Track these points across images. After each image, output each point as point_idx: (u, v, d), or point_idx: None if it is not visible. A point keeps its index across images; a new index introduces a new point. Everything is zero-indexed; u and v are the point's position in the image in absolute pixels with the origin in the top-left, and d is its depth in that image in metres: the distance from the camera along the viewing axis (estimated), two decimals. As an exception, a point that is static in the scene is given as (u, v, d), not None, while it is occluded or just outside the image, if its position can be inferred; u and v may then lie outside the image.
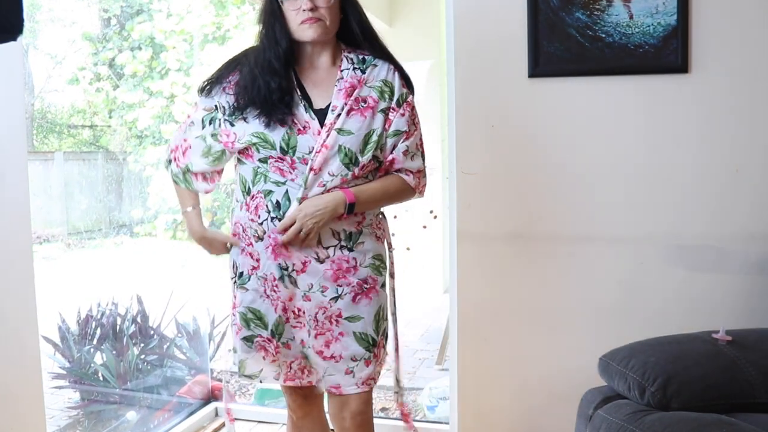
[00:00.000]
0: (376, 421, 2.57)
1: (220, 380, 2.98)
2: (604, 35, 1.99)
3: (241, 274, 1.67)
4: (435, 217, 4.76)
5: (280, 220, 1.59)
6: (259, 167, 1.61)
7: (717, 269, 1.99)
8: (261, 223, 1.62)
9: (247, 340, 1.68)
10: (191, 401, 2.80)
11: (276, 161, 1.58)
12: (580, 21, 2.00)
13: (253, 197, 1.63)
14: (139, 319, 2.91)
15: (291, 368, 1.71)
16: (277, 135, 1.57)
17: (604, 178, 2.05)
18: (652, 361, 1.53)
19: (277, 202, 1.60)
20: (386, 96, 1.63)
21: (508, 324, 2.15)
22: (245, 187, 1.65)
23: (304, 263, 1.62)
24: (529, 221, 2.11)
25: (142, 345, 2.89)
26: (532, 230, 2.11)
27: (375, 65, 1.65)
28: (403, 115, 1.64)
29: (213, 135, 1.66)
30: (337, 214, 1.59)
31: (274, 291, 1.64)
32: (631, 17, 1.97)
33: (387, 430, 2.59)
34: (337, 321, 1.65)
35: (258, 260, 1.64)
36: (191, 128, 1.69)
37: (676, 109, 1.99)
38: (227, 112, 1.62)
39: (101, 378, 2.74)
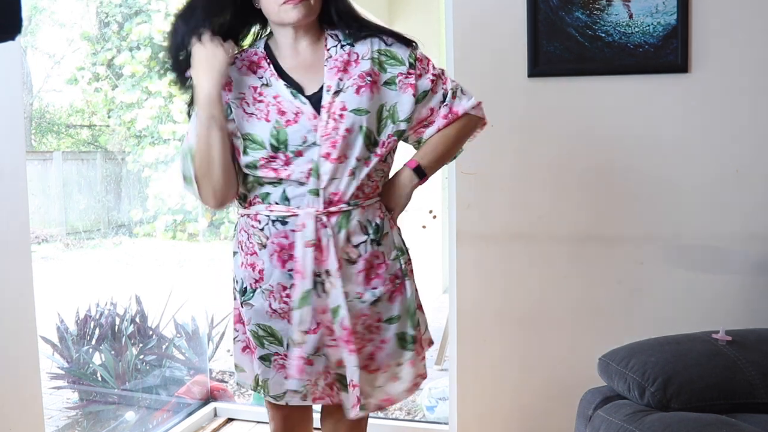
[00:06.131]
0: (376, 421, 2.57)
1: (219, 380, 2.98)
2: (603, 35, 1.99)
3: (245, 289, 1.52)
4: (435, 217, 4.76)
5: (283, 223, 1.46)
6: (249, 172, 1.47)
7: (717, 269, 1.99)
8: (261, 229, 1.48)
9: (264, 359, 1.52)
10: (190, 401, 2.80)
11: (268, 161, 1.44)
12: (580, 20, 1.99)
13: (250, 203, 1.51)
14: (137, 320, 2.90)
15: (317, 386, 1.52)
16: (264, 132, 1.44)
17: (603, 178, 2.05)
18: (652, 362, 1.53)
19: (276, 203, 1.47)
20: (387, 66, 1.50)
21: (507, 324, 2.15)
22: (242, 193, 1.53)
23: (338, 268, 1.46)
24: (528, 221, 2.11)
25: (140, 345, 2.88)
26: (532, 230, 2.11)
27: (364, 38, 1.50)
28: (421, 75, 1.51)
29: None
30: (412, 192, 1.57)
31: (285, 302, 1.48)
32: (630, 17, 1.97)
33: (387, 430, 2.59)
34: (377, 327, 1.51)
35: (261, 272, 1.49)
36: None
37: (676, 109, 1.98)
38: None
39: (100, 378, 2.74)
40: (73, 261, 3.43)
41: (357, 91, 1.46)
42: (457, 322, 2.19)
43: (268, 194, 1.47)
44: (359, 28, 1.51)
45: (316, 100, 1.45)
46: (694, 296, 2.01)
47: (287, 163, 1.44)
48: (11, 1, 0.75)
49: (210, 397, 2.87)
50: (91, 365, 2.76)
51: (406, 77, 1.50)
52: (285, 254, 1.47)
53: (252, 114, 1.46)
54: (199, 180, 1.45)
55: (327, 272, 1.45)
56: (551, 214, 2.09)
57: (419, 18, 5.12)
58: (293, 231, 1.46)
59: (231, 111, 1.48)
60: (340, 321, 1.46)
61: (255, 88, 1.46)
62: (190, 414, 2.73)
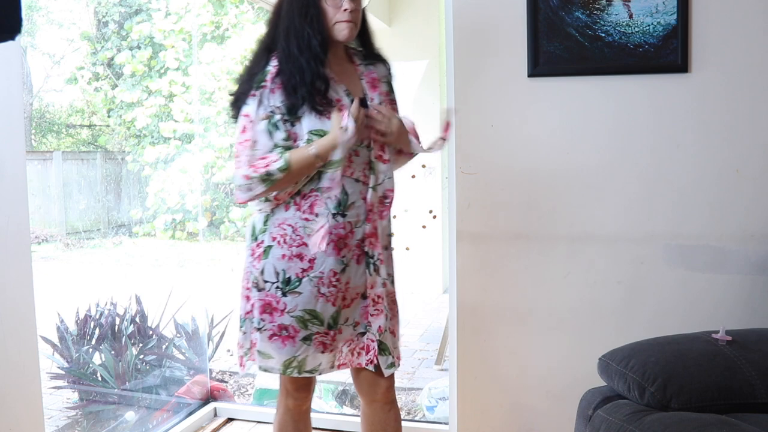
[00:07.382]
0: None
1: (219, 380, 2.98)
2: (603, 35, 1.99)
3: (288, 279, 1.64)
4: (434, 217, 4.76)
5: (343, 216, 1.62)
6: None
7: (717, 269, 1.99)
8: None
9: (306, 339, 1.67)
10: (190, 401, 2.80)
11: None
12: (580, 20, 1.99)
13: (305, 196, 1.62)
14: (137, 319, 2.90)
15: (342, 352, 1.72)
16: None
17: (603, 178, 2.05)
18: (652, 362, 1.53)
19: (337, 198, 1.61)
20: (391, 90, 1.77)
21: (507, 324, 2.15)
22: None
23: (381, 252, 1.70)
24: (528, 221, 2.11)
25: (140, 345, 2.88)
26: (532, 230, 2.11)
27: (376, 62, 1.75)
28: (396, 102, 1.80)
29: (285, 138, 1.60)
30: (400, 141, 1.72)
31: (335, 286, 1.65)
32: (630, 16, 1.96)
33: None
34: (395, 301, 1.78)
35: (312, 260, 1.63)
36: (257, 147, 1.60)
37: (676, 108, 1.98)
38: (285, 113, 1.60)
39: (100, 378, 2.74)
40: (73, 261, 3.43)
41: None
42: (457, 322, 2.19)
43: (329, 188, 1.62)
44: (374, 51, 1.75)
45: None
46: (694, 296, 2.01)
47: (350, 160, 1.62)
48: (11, 1, 0.75)
49: (210, 397, 2.87)
50: (91, 365, 2.76)
51: (394, 104, 1.77)
52: (341, 243, 1.64)
53: (323, 113, 1.61)
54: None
55: (378, 255, 1.68)
56: (551, 214, 2.09)
57: (419, 18, 5.12)
58: (350, 222, 1.64)
59: (295, 112, 1.61)
60: (376, 294, 1.70)
61: (319, 90, 1.62)
62: (190, 414, 2.73)
